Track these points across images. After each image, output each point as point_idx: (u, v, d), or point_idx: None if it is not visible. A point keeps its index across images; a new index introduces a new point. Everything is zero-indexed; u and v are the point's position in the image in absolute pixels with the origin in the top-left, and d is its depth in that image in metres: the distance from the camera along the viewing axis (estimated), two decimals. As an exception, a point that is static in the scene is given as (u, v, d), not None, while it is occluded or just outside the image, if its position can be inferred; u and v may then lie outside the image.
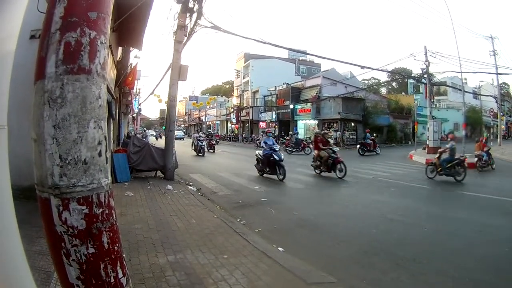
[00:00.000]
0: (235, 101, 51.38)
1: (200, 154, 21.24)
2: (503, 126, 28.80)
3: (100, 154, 1.68)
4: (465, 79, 45.81)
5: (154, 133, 52.34)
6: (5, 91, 1.81)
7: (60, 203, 1.55)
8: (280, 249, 4.68)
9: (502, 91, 36.44)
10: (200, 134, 24.72)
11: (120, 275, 1.69)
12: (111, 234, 1.67)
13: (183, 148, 24.68)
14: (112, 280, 1.65)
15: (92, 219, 1.60)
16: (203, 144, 21.93)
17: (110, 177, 1.76)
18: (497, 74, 26.79)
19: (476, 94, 46.92)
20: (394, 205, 7.85)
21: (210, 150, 24.26)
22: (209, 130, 54.57)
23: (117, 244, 1.71)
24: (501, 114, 29.35)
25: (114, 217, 1.73)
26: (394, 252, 4.76)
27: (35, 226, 3.92)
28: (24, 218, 1.82)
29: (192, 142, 23.71)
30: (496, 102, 29.01)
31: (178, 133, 42.00)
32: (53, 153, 1.56)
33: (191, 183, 10.17)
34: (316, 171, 12.75)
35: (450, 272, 4.09)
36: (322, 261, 4.38)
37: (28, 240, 2.67)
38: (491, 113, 33.70)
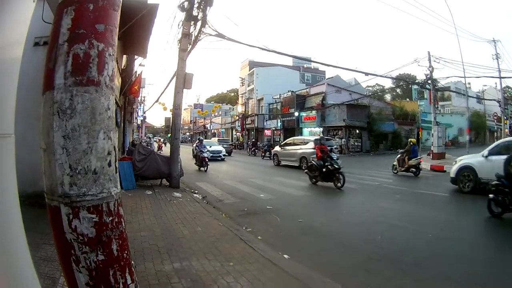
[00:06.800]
0: (240, 109, 51.35)
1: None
2: (506, 130, 28.36)
3: (109, 164, 1.71)
4: (469, 83, 45.79)
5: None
6: (12, 99, 1.81)
7: (70, 212, 1.58)
8: (285, 256, 4.68)
9: (506, 94, 36.09)
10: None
11: (129, 281, 1.72)
12: (120, 242, 1.69)
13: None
14: (121, 286, 1.67)
15: (102, 227, 1.63)
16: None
17: (119, 186, 1.79)
18: (500, 78, 26.48)
19: (479, 99, 46.71)
20: (399, 211, 7.83)
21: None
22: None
23: (126, 251, 1.73)
24: (505, 118, 28.93)
25: (123, 225, 1.75)
26: (398, 258, 4.75)
27: (40, 232, 3.96)
28: (29, 224, 1.84)
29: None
30: (500, 106, 28.63)
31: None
32: (63, 162, 1.59)
33: (196, 191, 10.17)
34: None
35: (455, 277, 4.09)
36: (328, 268, 4.37)
37: (33, 246, 2.69)
38: (495, 117, 33.32)
